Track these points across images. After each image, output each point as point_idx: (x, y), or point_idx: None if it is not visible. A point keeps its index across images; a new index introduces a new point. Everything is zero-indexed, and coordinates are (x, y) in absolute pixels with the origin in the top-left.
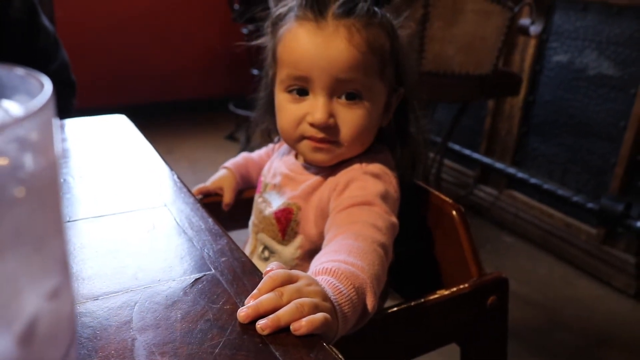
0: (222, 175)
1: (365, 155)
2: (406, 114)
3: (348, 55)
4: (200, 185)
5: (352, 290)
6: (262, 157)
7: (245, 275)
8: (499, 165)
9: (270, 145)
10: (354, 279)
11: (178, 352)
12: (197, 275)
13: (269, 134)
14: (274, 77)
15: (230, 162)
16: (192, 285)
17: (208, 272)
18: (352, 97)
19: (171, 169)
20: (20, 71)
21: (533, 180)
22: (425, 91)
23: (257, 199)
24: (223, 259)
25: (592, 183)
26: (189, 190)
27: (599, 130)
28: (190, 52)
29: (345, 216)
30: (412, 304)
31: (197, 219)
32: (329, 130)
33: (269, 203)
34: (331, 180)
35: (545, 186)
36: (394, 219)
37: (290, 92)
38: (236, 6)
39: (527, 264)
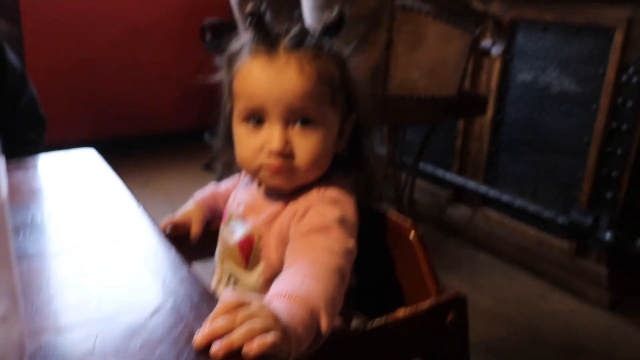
0: (190, 207)
1: (323, 182)
2: (360, 139)
3: (300, 85)
4: (169, 218)
5: (306, 312)
6: (229, 188)
7: (204, 303)
8: (471, 184)
9: (233, 178)
10: (307, 301)
11: None
12: (157, 304)
13: (230, 166)
14: (232, 111)
15: (199, 195)
16: (153, 314)
17: (168, 301)
18: (306, 123)
19: (141, 198)
20: None
21: (505, 198)
22: (393, 115)
23: (222, 229)
24: (183, 288)
25: (561, 198)
26: (154, 223)
27: (565, 145)
28: (164, 84)
29: (303, 243)
30: (374, 323)
31: (160, 250)
32: (286, 157)
33: (233, 232)
34: (291, 207)
35: (517, 203)
36: (351, 243)
37: (247, 123)
38: (208, 37)
39: (502, 281)
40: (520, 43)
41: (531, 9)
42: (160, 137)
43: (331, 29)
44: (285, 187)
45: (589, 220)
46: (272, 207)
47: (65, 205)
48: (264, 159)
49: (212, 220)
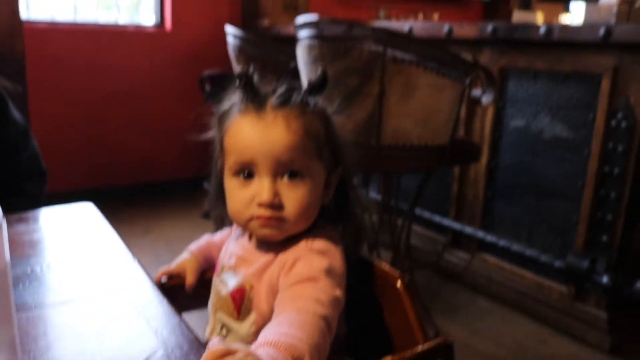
0: (185, 258)
1: (311, 232)
2: (346, 191)
3: (287, 140)
4: (165, 268)
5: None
6: (224, 238)
7: (193, 351)
8: (467, 229)
9: (227, 229)
10: (292, 349)
11: None
12: (149, 353)
13: (222, 221)
14: (223, 166)
15: (194, 245)
16: None
17: (160, 350)
18: (294, 176)
19: (139, 249)
20: None
21: (502, 243)
22: (387, 163)
23: (215, 280)
24: (174, 337)
25: (558, 242)
26: (149, 275)
27: (559, 190)
28: (164, 133)
29: (291, 293)
30: None
31: (153, 301)
32: (276, 208)
33: (226, 283)
34: (280, 258)
35: (514, 248)
36: (338, 293)
37: (237, 177)
38: (207, 87)
39: (501, 326)
40: (512, 91)
41: (521, 58)
42: (160, 185)
43: (316, 88)
44: (275, 238)
45: (585, 263)
46: (263, 258)
47: (64, 257)
48: (254, 210)
49: (207, 270)
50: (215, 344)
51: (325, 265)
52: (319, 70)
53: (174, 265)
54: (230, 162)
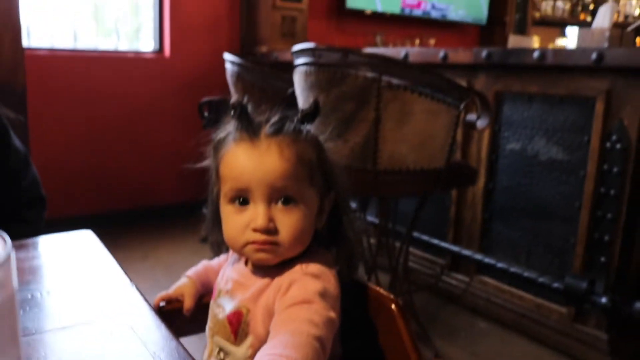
0: (183, 282)
1: (305, 257)
2: (339, 216)
3: (280, 167)
4: (163, 293)
5: None
6: (221, 263)
7: None
8: (465, 252)
9: (224, 255)
10: None
11: None
12: None
13: (219, 247)
14: (219, 193)
15: (192, 270)
16: None
17: None
18: (288, 202)
19: (138, 273)
20: None
21: (500, 265)
22: (384, 188)
23: (212, 305)
24: None
25: (556, 263)
26: (147, 301)
27: (556, 211)
28: (162, 159)
29: (286, 315)
30: None
31: (151, 326)
32: (270, 233)
33: (223, 308)
34: (276, 282)
35: (512, 269)
36: (333, 314)
37: (233, 203)
38: (205, 114)
39: (502, 348)
40: (507, 114)
41: (515, 82)
42: (159, 210)
43: (308, 117)
44: (270, 262)
45: (583, 285)
46: (259, 282)
47: (63, 283)
48: (250, 235)
49: (205, 295)
50: None
51: (319, 288)
52: (311, 100)
53: (172, 290)
54: (225, 189)
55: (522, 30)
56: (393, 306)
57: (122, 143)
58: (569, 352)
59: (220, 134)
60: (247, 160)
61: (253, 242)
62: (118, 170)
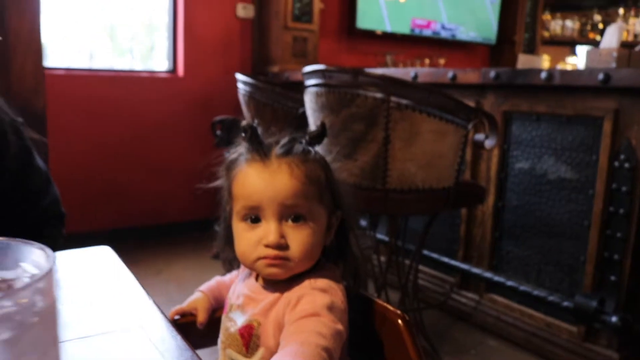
0: (196, 297)
1: (314, 272)
2: (345, 233)
3: (291, 186)
4: (177, 307)
5: None
6: (233, 279)
7: None
8: (475, 270)
9: (236, 271)
10: None
11: None
12: None
13: (230, 263)
14: (231, 211)
15: (205, 286)
16: None
17: None
18: (298, 219)
19: (154, 286)
20: (34, 245)
21: (509, 283)
22: (393, 207)
23: (224, 319)
24: None
25: (566, 282)
26: (163, 313)
27: (566, 230)
28: (176, 177)
29: (295, 328)
30: None
31: (167, 337)
32: (281, 249)
33: (234, 321)
34: (285, 296)
35: (522, 288)
36: (340, 327)
37: (245, 221)
38: (218, 132)
39: None
40: (516, 133)
41: (523, 102)
42: (172, 226)
43: (315, 139)
44: (280, 276)
45: (593, 303)
46: (269, 297)
47: (81, 296)
48: (261, 251)
49: (217, 310)
50: None
51: (327, 302)
52: (319, 123)
53: (186, 304)
54: (238, 207)
55: (531, 49)
56: (400, 321)
57: (136, 161)
58: None
59: (232, 155)
60: (258, 179)
61: (265, 258)
62: (133, 188)
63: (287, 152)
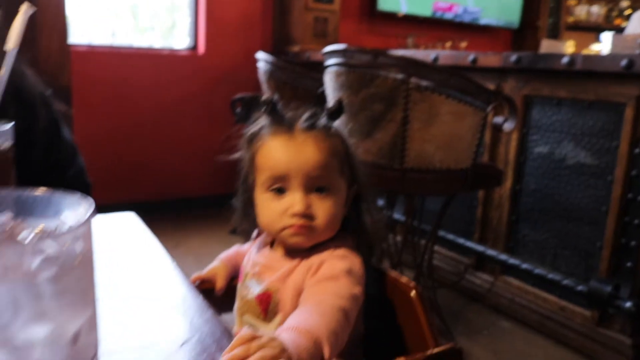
0: (215, 265)
1: (333, 242)
2: (360, 206)
3: (317, 158)
4: (197, 274)
5: (310, 342)
6: (250, 249)
7: (224, 338)
8: (490, 252)
9: (247, 244)
10: (311, 333)
11: None
12: (186, 338)
13: (248, 234)
14: (253, 183)
15: (224, 254)
16: (182, 345)
17: (195, 336)
18: (322, 190)
19: (173, 258)
20: (74, 196)
21: (524, 266)
22: (411, 186)
23: (240, 287)
24: (207, 326)
25: (582, 266)
26: (185, 276)
27: (584, 215)
28: (195, 152)
29: (314, 289)
30: None
31: (188, 297)
32: (307, 218)
33: (250, 289)
34: (304, 263)
35: (536, 271)
36: (357, 290)
37: (270, 191)
38: (238, 109)
39: (524, 348)
40: (536, 118)
41: (544, 86)
42: (191, 201)
43: (333, 115)
44: (304, 245)
45: (608, 288)
46: (287, 265)
47: (107, 259)
48: (287, 220)
49: (235, 277)
50: (243, 331)
51: (346, 267)
52: (336, 100)
53: (205, 271)
54: (263, 178)
55: (555, 35)
56: (413, 293)
57: (156, 136)
58: (592, 355)
59: (253, 128)
60: (285, 151)
61: (291, 227)
62: (153, 162)
63: (312, 126)
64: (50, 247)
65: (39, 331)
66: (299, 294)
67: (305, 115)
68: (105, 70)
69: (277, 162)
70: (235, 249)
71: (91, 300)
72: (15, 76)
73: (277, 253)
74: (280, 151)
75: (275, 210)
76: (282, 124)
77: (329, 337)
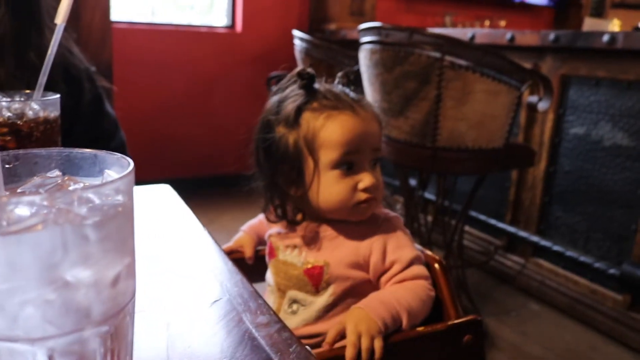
0: (241, 236)
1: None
2: None
3: (379, 132)
4: (225, 245)
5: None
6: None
7: (251, 299)
8: (522, 233)
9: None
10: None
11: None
12: (216, 297)
13: (284, 213)
14: (316, 163)
15: (247, 225)
16: (212, 303)
17: (225, 296)
18: (377, 162)
19: (205, 228)
20: (115, 155)
21: (555, 248)
22: (442, 165)
23: (275, 263)
24: (236, 288)
25: (614, 250)
26: (217, 244)
27: (618, 198)
28: (231, 130)
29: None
30: (391, 340)
31: (219, 261)
32: (375, 191)
33: (293, 265)
34: (355, 233)
35: (568, 253)
36: (432, 292)
37: (337, 169)
38: (273, 87)
39: (552, 331)
40: (573, 98)
41: (583, 66)
42: (225, 179)
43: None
44: (368, 215)
45: None
46: (332, 237)
47: (143, 229)
48: (361, 195)
49: (261, 247)
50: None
51: (416, 255)
52: (372, 80)
53: (232, 242)
54: (332, 156)
55: (599, 13)
56: (436, 265)
57: (193, 113)
58: (623, 339)
59: (289, 107)
60: (356, 127)
61: (366, 200)
62: (189, 139)
63: (367, 104)
64: (95, 197)
65: (83, 272)
66: (351, 265)
67: (355, 95)
68: (145, 48)
69: (351, 138)
70: (259, 218)
71: (129, 249)
72: (63, 53)
73: (311, 226)
74: (352, 127)
75: (347, 187)
76: (339, 100)
77: (408, 315)
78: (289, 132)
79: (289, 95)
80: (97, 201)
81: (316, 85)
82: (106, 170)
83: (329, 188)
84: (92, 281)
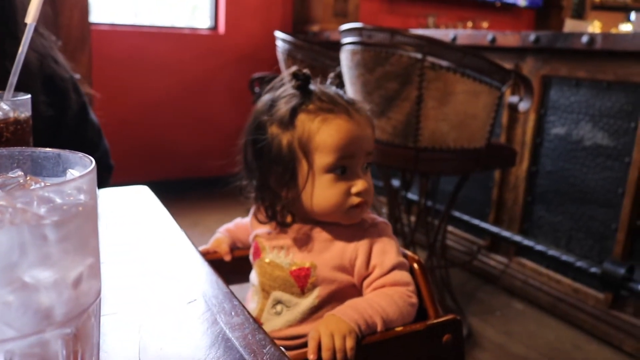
0: (217, 237)
1: None
2: None
3: (372, 136)
4: (202, 247)
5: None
6: (248, 222)
7: (226, 301)
8: (505, 233)
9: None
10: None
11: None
12: (192, 297)
13: (274, 214)
14: (310, 166)
15: (223, 227)
16: (188, 303)
17: (200, 296)
18: (368, 166)
19: (190, 237)
20: (78, 154)
21: (538, 247)
22: (424, 165)
23: (260, 263)
24: (211, 289)
25: (596, 248)
26: (194, 245)
27: (599, 197)
28: (213, 132)
29: (380, 292)
30: (371, 340)
31: (195, 262)
32: (367, 195)
33: (278, 265)
34: (341, 235)
35: (550, 252)
36: (414, 299)
37: (331, 172)
38: (256, 89)
39: (536, 329)
40: (553, 98)
41: (563, 66)
42: (209, 180)
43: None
44: (359, 220)
45: (622, 270)
46: (321, 240)
47: (118, 227)
48: (354, 200)
49: (236, 247)
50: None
51: (399, 261)
52: (354, 81)
53: (209, 244)
54: (328, 160)
55: (580, 14)
56: (415, 265)
57: (175, 114)
58: (605, 338)
59: (283, 108)
60: (352, 131)
61: (358, 204)
62: (172, 141)
63: (360, 107)
64: (56, 196)
65: (43, 272)
66: (337, 267)
67: (348, 97)
68: (127, 49)
69: (347, 142)
70: (235, 221)
71: (92, 249)
72: (49, 63)
73: (303, 228)
74: (348, 132)
75: (340, 191)
76: (334, 103)
77: (382, 320)
78: (283, 133)
79: (282, 95)
80: (58, 200)
81: (311, 87)
82: (69, 170)
83: (322, 191)
84: (52, 282)
